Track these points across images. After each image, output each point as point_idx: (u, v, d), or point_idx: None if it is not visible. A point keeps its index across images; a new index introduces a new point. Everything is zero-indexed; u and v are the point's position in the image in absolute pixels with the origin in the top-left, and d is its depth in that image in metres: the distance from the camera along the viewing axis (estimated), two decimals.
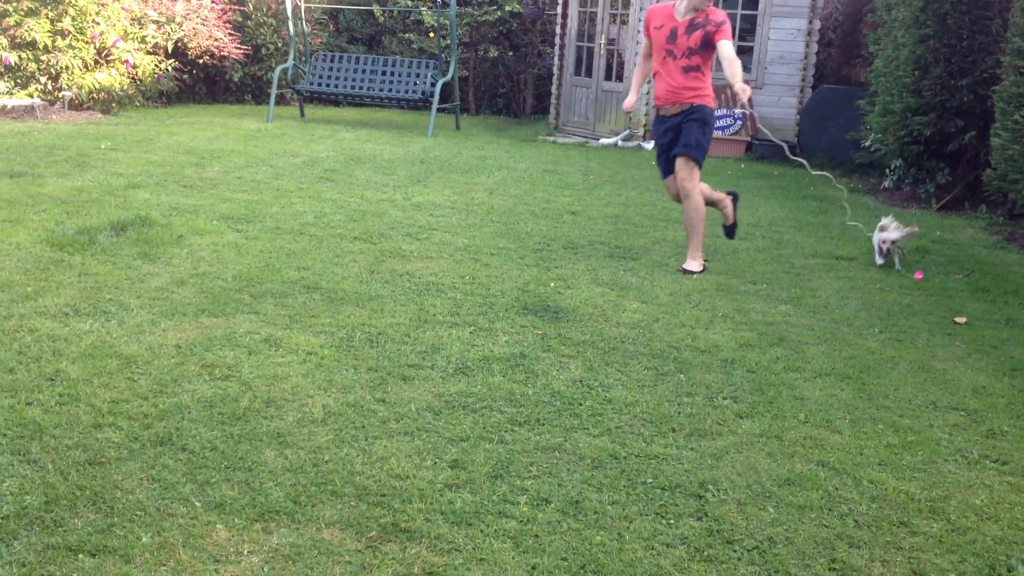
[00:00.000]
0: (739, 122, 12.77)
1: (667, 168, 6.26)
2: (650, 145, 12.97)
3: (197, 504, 2.88)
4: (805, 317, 5.24)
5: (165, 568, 2.56)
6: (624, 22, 13.63)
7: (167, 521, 2.78)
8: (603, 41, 13.85)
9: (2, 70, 12.01)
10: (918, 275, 6.28)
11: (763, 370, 4.34)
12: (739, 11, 12.86)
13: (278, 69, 13.47)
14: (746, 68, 13.08)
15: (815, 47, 12.89)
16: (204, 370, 3.90)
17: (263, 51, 15.50)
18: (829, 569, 2.77)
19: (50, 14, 12.01)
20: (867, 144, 10.37)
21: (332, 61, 13.89)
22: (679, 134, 6.09)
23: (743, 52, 13.08)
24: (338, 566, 2.63)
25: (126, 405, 3.52)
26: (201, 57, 14.33)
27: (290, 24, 13.50)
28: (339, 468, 3.16)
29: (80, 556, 2.58)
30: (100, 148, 9.43)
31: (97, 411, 3.45)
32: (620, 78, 13.66)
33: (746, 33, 12.98)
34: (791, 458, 3.46)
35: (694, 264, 6.09)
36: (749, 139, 12.67)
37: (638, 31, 13.20)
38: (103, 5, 12.50)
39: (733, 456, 3.45)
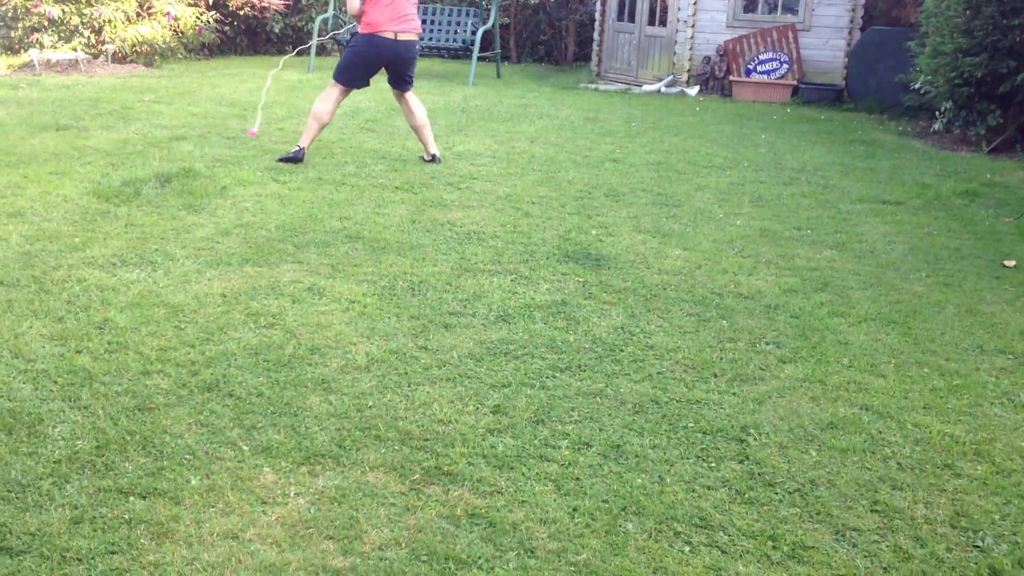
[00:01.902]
0: (785, 66, 12.53)
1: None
2: (694, 91, 12.79)
3: (244, 448, 2.94)
4: (850, 262, 5.18)
5: (214, 510, 2.63)
6: None
7: (215, 464, 2.85)
8: None
9: (46, 24, 12.12)
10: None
11: (807, 315, 4.31)
12: None
13: (318, 19, 13.43)
14: (793, 10, 12.81)
15: None
16: (249, 318, 3.96)
17: (303, 1, 15.45)
18: (871, 511, 2.77)
19: None
20: (916, 86, 10.13)
21: None
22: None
23: None
24: (382, 508, 2.67)
25: (173, 353, 3.59)
26: (242, 8, 14.33)
27: None
28: (383, 413, 3.20)
29: (131, 499, 2.65)
30: (144, 101, 9.51)
31: (145, 359, 3.52)
32: (663, 23, 13.44)
33: None
34: (834, 402, 3.45)
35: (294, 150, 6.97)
36: (795, 83, 12.43)
37: None
38: None
39: (775, 401, 3.44)
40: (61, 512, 2.58)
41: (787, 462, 3.01)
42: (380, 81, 12.21)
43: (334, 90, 7.09)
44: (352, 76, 7.10)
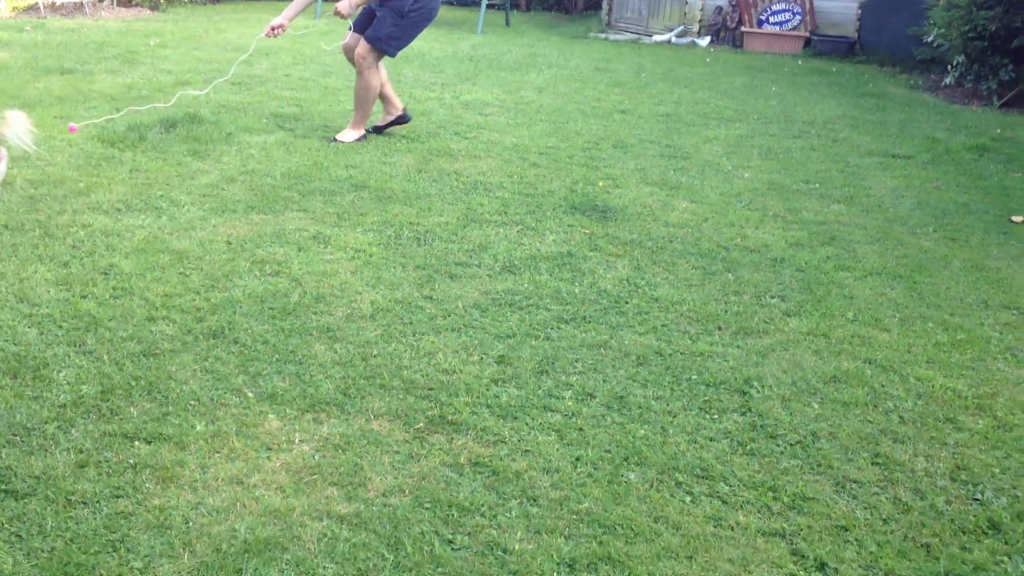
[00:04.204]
0: (797, 17, 12.36)
1: (358, 29, 6.11)
2: (704, 42, 12.64)
3: (249, 395, 2.96)
4: (858, 216, 5.15)
5: (219, 455, 2.64)
6: None
7: (220, 411, 2.86)
8: None
9: None
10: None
11: (813, 269, 4.30)
12: None
13: None
14: None
15: None
16: (255, 266, 3.96)
17: None
18: (872, 463, 2.78)
19: None
20: (930, 40, 10.01)
21: None
22: (375, 18, 5.95)
23: None
24: (387, 455, 2.69)
25: (179, 299, 3.59)
26: None
27: None
28: (387, 362, 3.21)
29: (136, 443, 2.67)
30: (149, 45, 9.43)
31: (150, 304, 3.53)
32: None
33: None
34: (838, 356, 3.45)
35: (349, 134, 6.11)
36: (808, 35, 12.28)
37: None
38: None
39: (779, 354, 3.44)
40: (66, 456, 2.59)
41: (789, 414, 3.02)
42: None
43: (377, 63, 6.02)
44: (401, 48, 6.11)
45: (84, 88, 7.13)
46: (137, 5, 12.47)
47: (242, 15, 12.66)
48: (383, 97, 6.25)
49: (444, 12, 15.10)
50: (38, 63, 8.03)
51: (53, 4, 11.61)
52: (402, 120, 6.36)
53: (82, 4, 11.70)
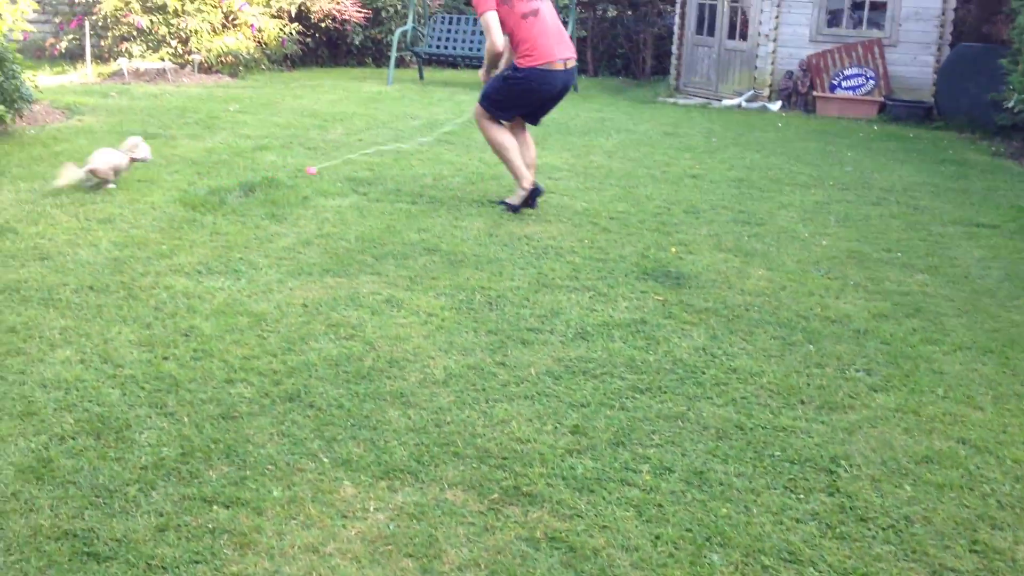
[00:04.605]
0: (871, 81, 12.26)
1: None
2: (776, 106, 12.59)
3: (325, 460, 2.94)
4: (943, 287, 5.01)
5: (295, 522, 2.62)
6: None
7: (296, 476, 2.85)
8: None
9: (135, 33, 12.45)
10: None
11: (898, 342, 4.17)
12: None
13: (398, 32, 13.58)
14: (878, 25, 12.55)
15: (953, 2, 12.24)
16: (330, 329, 3.97)
17: (383, 14, 15.63)
18: (970, 551, 2.65)
19: None
20: (1010, 105, 9.82)
21: (450, 23, 13.91)
22: None
23: (876, 8, 12.55)
24: (461, 527, 2.64)
25: (256, 361, 3.62)
26: (323, 21, 14.55)
27: None
28: (461, 429, 3.18)
29: (214, 507, 2.67)
30: (228, 110, 9.69)
31: (229, 367, 3.56)
32: (744, 36, 13.28)
33: None
34: (929, 434, 3.32)
35: (514, 198, 6.15)
36: (882, 99, 12.16)
37: None
38: None
39: (867, 431, 3.32)
40: (147, 519, 2.60)
41: (880, 496, 2.90)
42: (457, 93, 12.31)
43: (491, 122, 6.08)
44: (509, 113, 6.11)
45: (167, 152, 7.34)
46: (217, 72, 12.87)
47: (316, 82, 12.98)
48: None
49: None
50: (123, 127, 8.30)
51: (137, 70, 12.03)
52: (534, 193, 6.16)
53: (164, 71, 12.10)
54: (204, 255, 4.84)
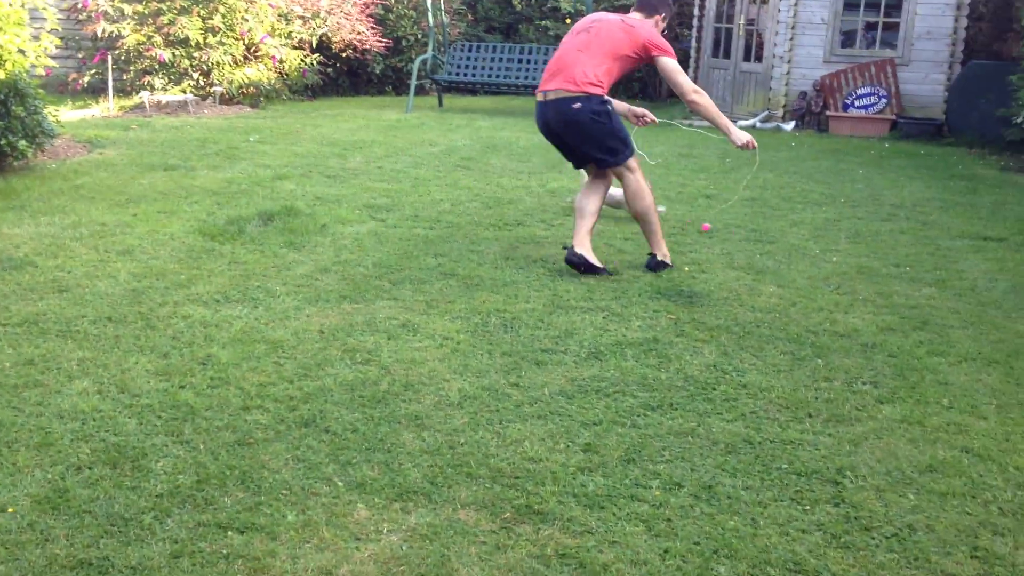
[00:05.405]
0: (883, 100, 12.29)
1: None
2: (789, 126, 12.63)
3: (339, 484, 3.01)
4: (950, 300, 5.04)
5: (309, 545, 2.68)
6: (764, 1, 13.30)
7: (311, 500, 2.91)
8: (742, 21, 13.56)
9: (157, 67, 12.67)
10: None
11: (905, 354, 4.20)
12: None
13: (418, 60, 13.74)
14: (891, 44, 12.59)
15: (965, 21, 12.25)
16: (346, 354, 4.05)
17: (403, 43, 15.82)
18: (971, 557, 2.68)
19: (202, 12, 12.60)
20: (1019, 121, 9.83)
21: (470, 51, 14.06)
22: None
23: (889, 28, 12.59)
24: (473, 546, 2.70)
25: (273, 388, 3.69)
26: (344, 51, 14.73)
27: (429, 15, 13.73)
28: (474, 450, 3.24)
29: (229, 533, 2.73)
30: (249, 141, 9.85)
31: (246, 394, 3.64)
32: (759, 59, 13.35)
33: (892, 8, 12.47)
34: (933, 444, 3.35)
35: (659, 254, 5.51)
36: (894, 118, 12.18)
37: (779, 10, 12.86)
38: (251, 2, 13.00)
39: (872, 442, 3.36)
40: (162, 546, 2.66)
41: (884, 506, 2.94)
42: (476, 119, 12.43)
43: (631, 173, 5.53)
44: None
45: (186, 184, 7.48)
46: (238, 103, 13.06)
47: (337, 111, 13.14)
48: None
49: (531, 102, 15.37)
50: (143, 159, 8.46)
51: (159, 103, 12.23)
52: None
53: (186, 103, 12.30)
54: (222, 284, 4.94)
